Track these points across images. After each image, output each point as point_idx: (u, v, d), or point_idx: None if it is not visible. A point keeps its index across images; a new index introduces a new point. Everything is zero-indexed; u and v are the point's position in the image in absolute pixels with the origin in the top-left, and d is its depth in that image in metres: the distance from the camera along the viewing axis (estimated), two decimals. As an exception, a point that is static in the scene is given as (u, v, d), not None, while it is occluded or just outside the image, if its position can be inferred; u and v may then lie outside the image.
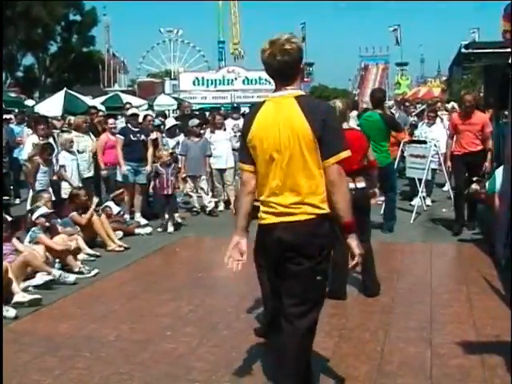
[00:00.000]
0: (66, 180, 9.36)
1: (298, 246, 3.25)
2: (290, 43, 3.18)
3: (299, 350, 3.34)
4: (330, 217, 3.24)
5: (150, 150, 10.42)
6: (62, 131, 11.69)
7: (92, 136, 10.71)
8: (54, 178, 9.23)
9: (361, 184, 5.85)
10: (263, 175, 3.32)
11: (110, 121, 11.28)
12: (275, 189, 3.28)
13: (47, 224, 7.39)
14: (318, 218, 3.21)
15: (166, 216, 9.67)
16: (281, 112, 3.22)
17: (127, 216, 9.98)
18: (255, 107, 3.39)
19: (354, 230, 3.22)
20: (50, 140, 10.43)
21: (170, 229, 9.61)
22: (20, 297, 5.97)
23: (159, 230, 9.58)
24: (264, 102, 3.33)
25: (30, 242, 7.10)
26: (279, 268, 3.35)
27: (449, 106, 14.34)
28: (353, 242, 3.22)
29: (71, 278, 6.78)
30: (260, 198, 3.42)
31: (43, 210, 7.46)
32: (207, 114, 17.26)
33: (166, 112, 19.36)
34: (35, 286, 6.44)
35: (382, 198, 8.96)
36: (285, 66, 3.20)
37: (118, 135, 10.44)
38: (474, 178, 8.14)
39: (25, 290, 6.25)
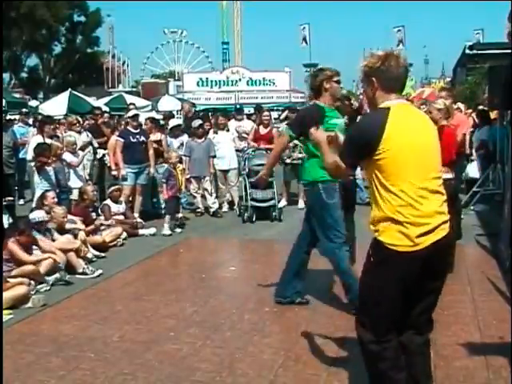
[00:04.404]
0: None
1: (445, 261, 3.39)
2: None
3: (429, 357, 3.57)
4: None
5: (151, 152, 10.44)
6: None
7: (89, 135, 10.84)
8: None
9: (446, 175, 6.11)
10: (406, 181, 3.11)
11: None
12: (426, 199, 3.13)
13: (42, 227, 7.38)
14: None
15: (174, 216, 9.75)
16: (416, 118, 3.29)
17: (136, 215, 10.08)
18: (377, 114, 3.25)
19: None
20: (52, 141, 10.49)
21: (176, 229, 9.67)
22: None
23: (168, 232, 9.53)
24: (387, 107, 3.18)
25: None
26: (414, 287, 3.26)
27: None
28: None
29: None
30: (404, 214, 3.09)
31: (37, 214, 7.45)
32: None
33: (174, 113, 19.37)
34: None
35: None
36: (406, 75, 3.36)
37: (117, 138, 10.47)
38: None
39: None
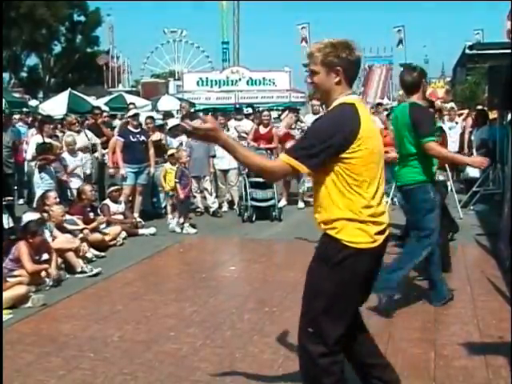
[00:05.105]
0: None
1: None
2: None
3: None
4: None
5: (151, 151, 10.47)
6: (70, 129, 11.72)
7: (90, 134, 10.83)
8: (64, 177, 9.37)
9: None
10: (370, 181, 3.07)
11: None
12: (379, 201, 3.15)
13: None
14: None
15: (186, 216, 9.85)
16: (370, 116, 3.24)
17: (136, 214, 10.12)
18: (350, 107, 3.06)
19: None
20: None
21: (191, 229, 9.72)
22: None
23: (177, 229, 9.63)
24: (353, 103, 3.08)
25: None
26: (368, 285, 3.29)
27: (448, 105, 14.36)
28: None
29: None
30: (365, 214, 3.07)
31: (30, 216, 7.45)
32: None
33: (174, 112, 19.35)
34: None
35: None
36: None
37: (117, 137, 10.51)
38: None
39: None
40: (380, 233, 3.11)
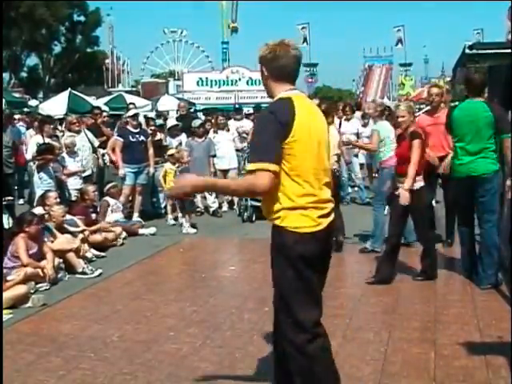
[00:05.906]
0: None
1: (331, 242, 3.45)
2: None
3: None
4: None
5: (151, 151, 10.46)
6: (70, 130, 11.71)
7: (90, 135, 10.83)
8: (62, 178, 9.36)
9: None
10: (309, 171, 3.13)
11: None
12: (322, 184, 3.22)
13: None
14: None
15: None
16: (310, 106, 3.31)
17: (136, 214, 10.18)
18: (282, 102, 3.15)
19: None
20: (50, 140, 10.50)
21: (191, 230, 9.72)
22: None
23: (192, 230, 9.66)
24: (289, 97, 3.16)
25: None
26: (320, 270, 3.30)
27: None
28: None
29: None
30: (305, 201, 3.12)
31: (36, 210, 7.47)
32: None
33: (170, 112, 19.30)
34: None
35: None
36: (296, 65, 3.29)
37: (116, 137, 10.51)
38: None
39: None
40: (324, 216, 3.18)
